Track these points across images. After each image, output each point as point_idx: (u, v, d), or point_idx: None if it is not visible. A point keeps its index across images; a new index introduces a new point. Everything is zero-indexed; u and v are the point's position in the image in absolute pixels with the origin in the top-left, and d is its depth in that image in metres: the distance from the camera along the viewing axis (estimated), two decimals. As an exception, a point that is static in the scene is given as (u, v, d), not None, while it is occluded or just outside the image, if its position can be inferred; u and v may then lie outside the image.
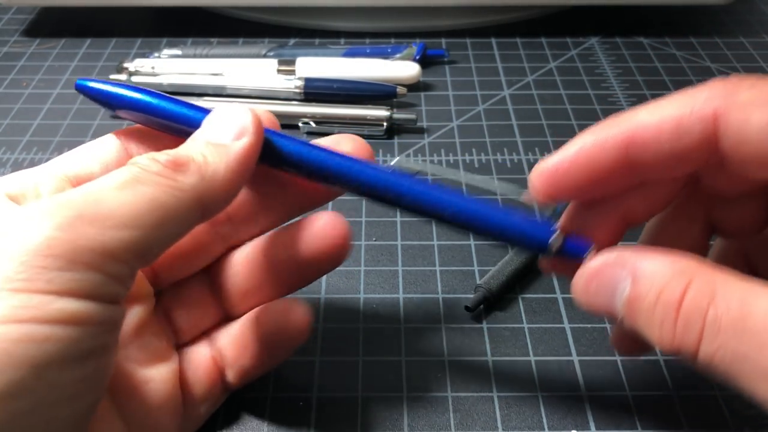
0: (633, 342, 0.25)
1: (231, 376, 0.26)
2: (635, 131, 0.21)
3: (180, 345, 0.27)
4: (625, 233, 0.24)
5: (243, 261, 0.26)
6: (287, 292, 0.27)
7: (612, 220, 0.24)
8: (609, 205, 0.23)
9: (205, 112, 0.24)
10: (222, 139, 0.22)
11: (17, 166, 0.41)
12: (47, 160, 0.41)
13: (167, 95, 0.24)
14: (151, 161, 0.21)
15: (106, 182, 0.20)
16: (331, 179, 0.24)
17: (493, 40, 0.53)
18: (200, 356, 0.26)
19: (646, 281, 0.20)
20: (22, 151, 0.42)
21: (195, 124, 0.24)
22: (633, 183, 0.22)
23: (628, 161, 0.21)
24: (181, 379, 0.25)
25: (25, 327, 0.17)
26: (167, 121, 0.24)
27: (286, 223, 0.26)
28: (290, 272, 0.26)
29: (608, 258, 0.21)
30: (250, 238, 0.27)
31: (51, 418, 0.18)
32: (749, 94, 0.19)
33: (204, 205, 0.21)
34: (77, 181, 0.23)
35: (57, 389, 0.18)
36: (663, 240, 0.25)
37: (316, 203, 0.27)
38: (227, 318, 0.27)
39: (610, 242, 0.24)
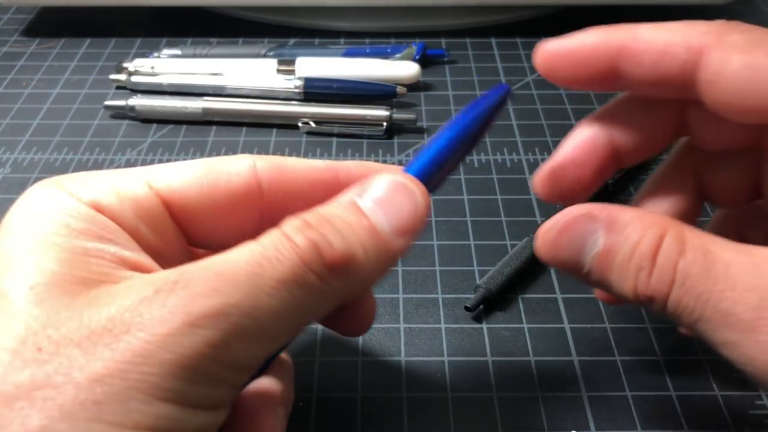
0: None
1: None
2: (629, 41, 0.22)
3: None
4: (613, 173, 0.25)
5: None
6: None
7: (602, 152, 0.24)
8: (600, 133, 0.24)
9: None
10: (385, 228, 0.20)
11: (17, 166, 0.41)
12: (46, 160, 0.41)
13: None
14: (313, 252, 0.18)
15: (261, 273, 0.17)
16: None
17: (493, 40, 0.53)
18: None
19: (621, 234, 0.20)
20: (22, 151, 0.42)
21: None
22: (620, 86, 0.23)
23: (617, 70, 0.22)
24: None
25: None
26: None
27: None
28: (337, 326, 0.25)
29: (580, 210, 0.21)
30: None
31: None
32: (738, 37, 0.20)
33: (341, 303, 0.20)
34: (167, 195, 0.21)
35: None
36: (654, 205, 0.25)
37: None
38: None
39: (596, 181, 0.24)
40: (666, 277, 0.19)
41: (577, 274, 0.22)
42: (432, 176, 0.22)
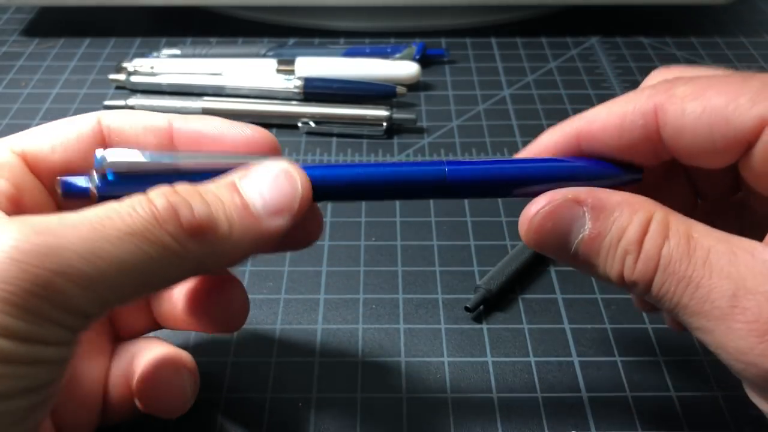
0: None
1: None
2: (584, 127, 0.23)
3: (117, 342, 0.26)
4: None
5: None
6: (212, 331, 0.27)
7: None
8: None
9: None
10: (259, 207, 0.20)
11: (16, 166, 0.41)
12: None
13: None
14: (171, 214, 0.19)
15: (108, 225, 0.18)
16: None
17: (493, 40, 0.53)
18: (122, 365, 0.25)
19: (608, 219, 0.21)
20: (21, 151, 0.42)
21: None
22: None
23: (583, 155, 0.23)
24: (107, 377, 0.25)
25: None
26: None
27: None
28: (207, 320, 0.25)
29: (565, 194, 0.21)
30: None
31: None
32: (685, 88, 0.21)
33: (200, 270, 0.20)
34: (32, 161, 0.22)
35: (3, 417, 0.17)
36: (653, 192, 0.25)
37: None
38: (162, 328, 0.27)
39: None
40: (651, 262, 0.20)
41: (562, 257, 0.22)
42: (327, 186, 0.22)
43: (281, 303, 0.32)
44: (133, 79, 0.46)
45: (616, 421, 0.27)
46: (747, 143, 0.20)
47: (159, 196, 0.19)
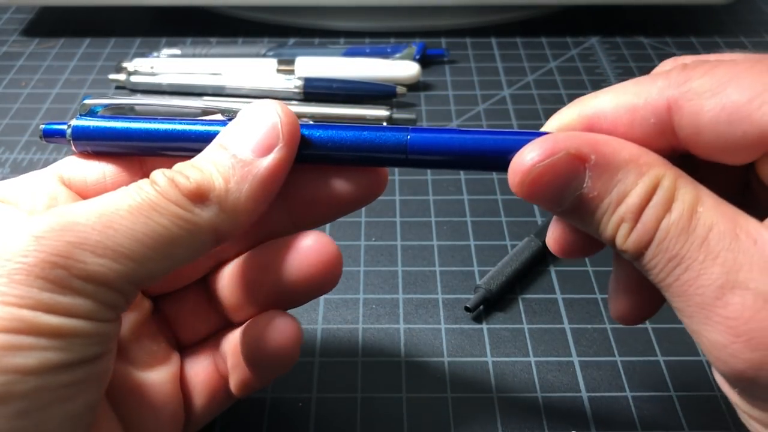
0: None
1: (232, 385, 0.25)
2: (594, 119, 0.21)
3: (184, 349, 0.26)
4: None
5: (232, 275, 0.25)
6: (278, 308, 0.25)
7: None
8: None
9: (211, 124, 0.22)
10: (248, 151, 0.21)
11: (16, 166, 0.41)
12: (46, 160, 0.41)
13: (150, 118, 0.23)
14: (170, 186, 0.20)
15: (120, 201, 0.19)
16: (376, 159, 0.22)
17: (493, 40, 0.53)
18: (203, 362, 0.26)
19: (612, 181, 0.19)
20: (21, 151, 0.42)
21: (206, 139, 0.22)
22: None
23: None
24: (183, 384, 0.25)
25: (10, 337, 0.17)
26: (169, 143, 0.23)
27: (274, 241, 0.24)
28: (274, 294, 0.24)
29: (566, 146, 0.19)
30: (238, 253, 0.25)
31: (43, 420, 0.18)
32: (701, 82, 0.19)
33: (219, 235, 0.20)
34: (72, 186, 0.23)
35: (46, 393, 0.18)
36: None
37: (316, 221, 0.25)
38: (229, 324, 0.26)
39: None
40: (646, 235, 0.19)
41: (552, 210, 0.21)
42: (318, 143, 0.22)
43: (281, 303, 0.32)
44: (133, 79, 0.46)
45: (616, 421, 0.27)
46: (765, 136, 0.18)
47: (158, 174, 0.20)
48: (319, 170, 0.23)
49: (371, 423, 0.27)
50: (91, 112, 0.24)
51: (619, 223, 0.19)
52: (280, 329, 0.23)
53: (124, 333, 0.24)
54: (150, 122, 0.23)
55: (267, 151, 0.21)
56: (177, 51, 0.49)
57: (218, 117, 0.24)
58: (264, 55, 0.49)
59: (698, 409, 0.28)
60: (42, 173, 0.23)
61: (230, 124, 0.22)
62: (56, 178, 0.23)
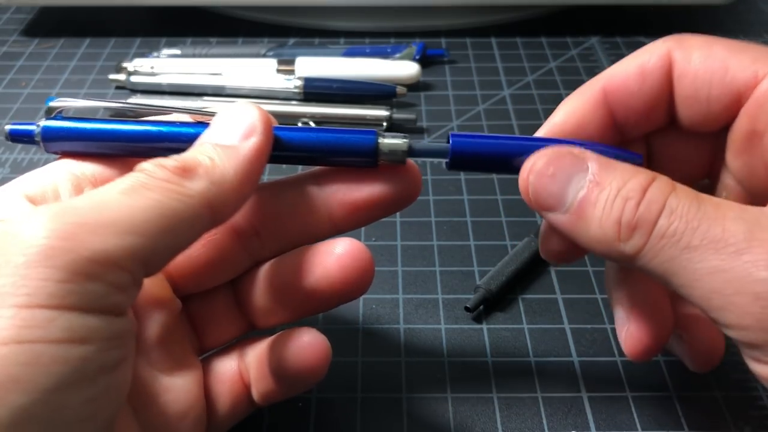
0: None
1: (254, 394, 0.25)
2: (608, 80, 0.24)
3: (206, 355, 0.26)
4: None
5: (264, 278, 0.25)
6: (307, 315, 0.25)
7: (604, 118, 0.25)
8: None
9: (191, 126, 0.23)
10: (230, 141, 0.22)
11: (16, 166, 0.41)
12: (45, 160, 0.41)
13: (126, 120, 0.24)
14: (157, 167, 0.21)
15: (111, 188, 0.20)
16: (350, 154, 0.23)
17: (493, 40, 0.53)
18: (227, 368, 0.25)
19: (611, 173, 0.21)
20: (21, 151, 0.42)
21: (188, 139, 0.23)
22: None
23: (610, 112, 0.24)
24: (207, 390, 0.25)
25: (31, 348, 0.16)
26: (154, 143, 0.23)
27: (310, 245, 0.25)
28: (306, 298, 0.24)
29: (571, 150, 0.22)
30: (275, 254, 0.25)
31: None
32: (695, 40, 0.23)
33: (214, 209, 0.21)
34: (96, 182, 0.23)
35: (69, 411, 0.17)
36: None
37: (354, 223, 0.25)
38: (253, 329, 0.26)
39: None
40: (654, 205, 0.19)
41: (556, 209, 0.21)
42: (289, 142, 0.23)
43: (281, 303, 0.32)
44: (133, 79, 0.46)
45: (616, 421, 0.27)
46: (740, 97, 0.22)
47: (143, 163, 0.21)
48: (357, 173, 0.24)
49: (371, 423, 0.27)
50: (59, 114, 0.24)
51: (623, 203, 0.20)
52: (311, 346, 0.24)
53: (152, 334, 0.23)
54: (122, 123, 0.23)
55: (249, 135, 0.22)
56: (177, 51, 0.49)
57: (188, 119, 0.25)
58: (264, 55, 0.49)
59: (698, 409, 0.28)
60: (61, 167, 0.24)
61: (210, 126, 0.23)
62: (77, 173, 0.23)
